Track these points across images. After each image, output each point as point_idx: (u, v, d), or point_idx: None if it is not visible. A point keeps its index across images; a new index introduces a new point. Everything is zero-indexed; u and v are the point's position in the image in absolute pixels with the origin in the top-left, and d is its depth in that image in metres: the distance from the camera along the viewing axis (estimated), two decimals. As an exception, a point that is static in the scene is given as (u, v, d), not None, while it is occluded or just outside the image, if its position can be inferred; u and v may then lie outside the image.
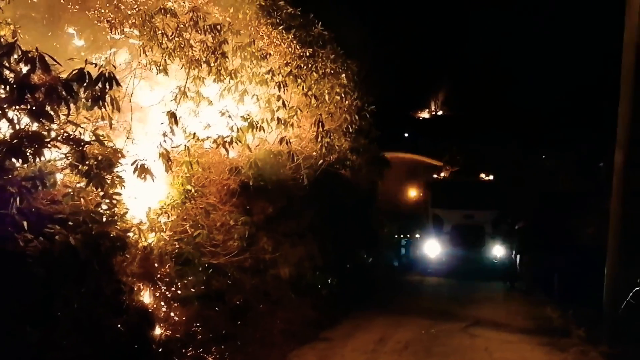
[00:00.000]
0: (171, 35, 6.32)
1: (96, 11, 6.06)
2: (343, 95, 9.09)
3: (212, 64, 6.57)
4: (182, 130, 6.17)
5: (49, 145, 4.01)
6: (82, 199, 4.59)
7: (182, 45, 6.38)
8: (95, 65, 4.39)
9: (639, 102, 7.99)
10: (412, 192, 23.13)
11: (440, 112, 45.59)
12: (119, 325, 5.04)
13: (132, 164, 4.89)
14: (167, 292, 5.83)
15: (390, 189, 19.83)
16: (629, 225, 7.85)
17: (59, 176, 4.54)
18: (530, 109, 23.15)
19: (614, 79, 8.69)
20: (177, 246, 5.99)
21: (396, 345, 7.52)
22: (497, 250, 16.56)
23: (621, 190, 7.90)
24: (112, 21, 5.96)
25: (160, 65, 6.20)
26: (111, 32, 5.95)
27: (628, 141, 7.89)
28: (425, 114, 45.98)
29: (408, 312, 10.16)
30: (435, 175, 19.44)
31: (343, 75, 9.21)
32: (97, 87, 4.30)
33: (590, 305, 9.92)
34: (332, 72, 8.87)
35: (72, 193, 4.52)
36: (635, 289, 8.20)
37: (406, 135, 33.33)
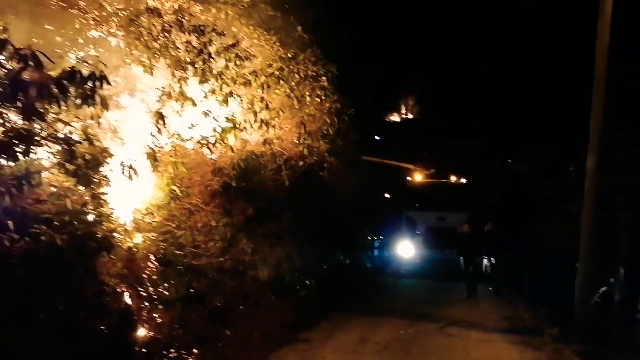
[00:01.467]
0: (157, 35, 6.28)
1: (80, 9, 5.97)
2: (323, 98, 9.14)
3: (197, 65, 6.56)
4: (166, 130, 6.14)
5: (39, 144, 3.93)
6: (67, 199, 4.50)
7: (167, 46, 6.36)
8: (84, 63, 4.33)
9: (610, 110, 8.36)
10: (385, 195, 23.33)
11: (410, 116, 46.12)
12: (102, 328, 4.97)
13: (121, 164, 4.83)
14: (150, 294, 5.76)
15: (362, 192, 19.97)
16: (599, 229, 8.17)
17: (43, 175, 4.45)
18: (501, 114, 23.62)
19: (583, 87, 9.01)
20: (162, 247, 5.93)
21: (376, 346, 7.60)
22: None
23: (593, 194, 8.18)
24: (98, 19, 5.89)
25: (146, 65, 6.16)
26: (96, 30, 5.87)
27: (600, 147, 8.18)
28: (395, 117, 46.45)
29: (385, 313, 10.28)
30: (408, 178, 19.71)
31: (324, 77, 9.27)
32: (87, 86, 4.25)
33: (558, 305, 10.26)
34: (313, 74, 8.93)
35: (58, 193, 4.44)
36: (603, 289, 8.51)
37: (377, 138, 33.67)
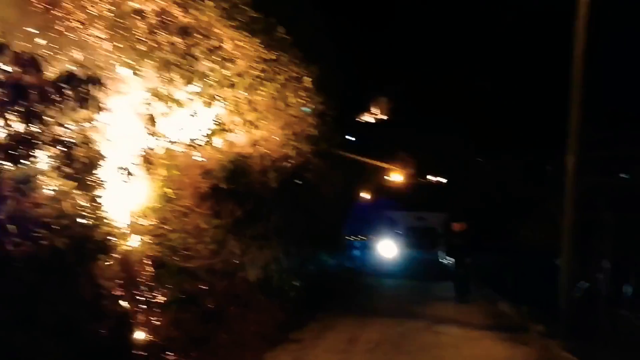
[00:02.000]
0: (142, 37, 6.28)
1: (64, 10, 5.92)
2: (307, 100, 9.23)
3: (183, 67, 6.58)
4: (157, 133, 6.14)
5: (40, 147, 3.91)
6: (65, 202, 4.48)
7: (153, 48, 6.36)
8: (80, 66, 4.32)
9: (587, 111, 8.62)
10: (364, 195, 23.52)
11: (385, 117, 46.36)
12: (101, 330, 4.96)
13: (118, 167, 4.83)
14: (147, 297, 5.75)
15: (345, 193, 20.11)
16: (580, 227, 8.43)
17: (41, 179, 4.43)
18: (479, 116, 24.01)
19: (559, 90, 9.27)
20: (157, 250, 5.92)
21: (366, 345, 7.70)
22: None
23: (572, 194, 8.43)
24: (84, 21, 5.85)
25: (133, 67, 6.15)
26: (81, 33, 5.83)
27: (578, 148, 8.44)
28: (370, 118, 46.65)
29: (372, 313, 10.40)
30: (388, 179, 19.92)
31: (307, 79, 9.34)
32: (83, 89, 4.25)
33: (539, 302, 10.53)
34: (296, 76, 9.01)
35: (56, 196, 4.41)
36: (585, 285, 8.79)
37: (353, 139, 33.81)
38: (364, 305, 11.57)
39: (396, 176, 19.84)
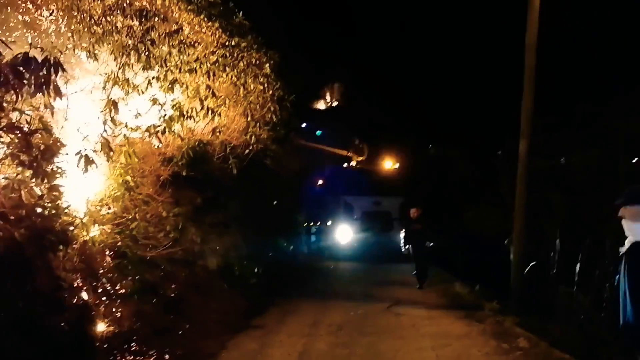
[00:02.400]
0: (98, 19, 6.07)
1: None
2: (266, 85, 9.16)
3: (141, 51, 6.40)
4: (113, 119, 5.95)
5: (-3, 134, 3.73)
6: (22, 192, 4.30)
7: (110, 31, 6.16)
8: (41, 49, 4.13)
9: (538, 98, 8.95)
10: (321, 181, 23.67)
11: (335, 103, 46.58)
12: (61, 324, 4.81)
13: (77, 154, 4.65)
14: (108, 287, 5.61)
15: (301, 179, 20.18)
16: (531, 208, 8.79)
17: (-5, 167, 4.23)
18: (428, 102, 24.51)
19: (508, 78, 9.57)
20: (117, 239, 5.77)
21: (329, 328, 7.80)
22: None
23: (524, 177, 8.76)
24: (37, 3, 5.59)
25: (89, 51, 5.94)
26: (36, 15, 5.57)
27: (530, 132, 8.77)
28: (321, 105, 46.77)
29: (331, 297, 10.55)
30: (345, 165, 20.08)
31: (267, 65, 9.27)
32: (41, 73, 4.06)
33: (488, 280, 10.96)
34: (256, 62, 8.92)
35: (12, 185, 4.22)
36: (531, 263, 9.18)
37: (304, 125, 33.92)
38: (324, 289, 11.70)
39: (352, 162, 20.04)
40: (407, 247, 12.68)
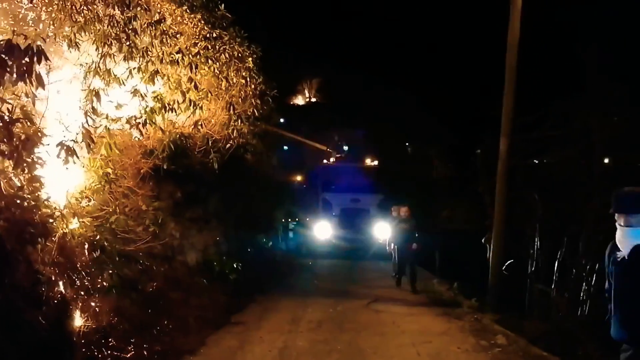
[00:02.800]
0: (80, 7, 5.93)
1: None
2: (248, 79, 9.09)
3: (122, 41, 6.28)
4: (94, 110, 5.83)
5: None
6: (1, 182, 4.17)
7: (92, 20, 6.02)
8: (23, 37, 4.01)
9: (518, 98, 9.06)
10: (300, 178, 23.63)
11: (314, 99, 46.54)
12: (40, 318, 4.69)
13: (58, 145, 4.53)
14: (86, 282, 5.49)
15: (281, 174, 20.12)
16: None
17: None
18: (409, 102, 24.73)
19: (486, 75, 9.65)
20: (96, 233, 5.65)
21: (309, 325, 7.79)
22: (382, 232, 17.60)
23: (504, 175, 8.88)
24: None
25: (70, 39, 5.79)
26: (15, 0, 5.41)
27: (511, 131, 8.88)
28: (299, 101, 46.66)
29: (310, 294, 10.54)
30: (325, 161, 20.07)
31: (250, 59, 9.20)
32: (24, 61, 3.94)
33: (465, 277, 11.10)
34: (239, 55, 8.84)
35: (-10, 176, 4.10)
36: (508, 261, 9.31)
37: (282, 120, 33.80)
38: (303, 286, 11.68)
39: (331, 158, 20.05)
40: (392, 246, 11.78)
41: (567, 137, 10.15)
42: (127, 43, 6.28)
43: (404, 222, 11.34)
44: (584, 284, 7.42)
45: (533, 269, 8.39)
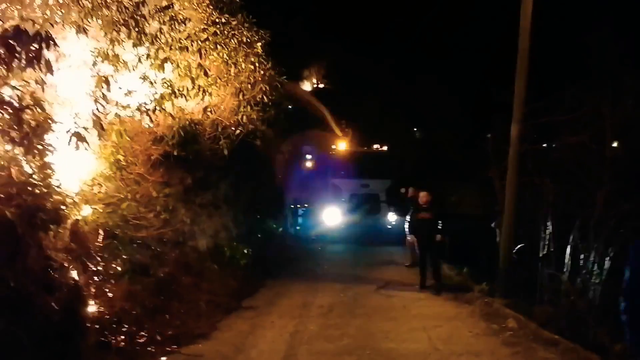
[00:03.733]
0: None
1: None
2: (257, 65, 9.04)
3: (131, 27, 6.25)
4: (104, 96, 5.83)
5: (-12, 110, 3.61)
6: (13, 169, 4.20)
7: (100, 5, 5.99)
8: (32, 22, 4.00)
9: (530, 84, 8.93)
10: (309, 163, 23.58)
11: (322, 85, 46.29)
12: (52, 303, 4.74)
13: (68, 132, 4.54)
14: (99, 268, 5.54)
15: (290, 160, 20.11)
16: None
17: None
18: (418, 87, 24.50)
19: (497, 60, 9.51)
20: (108, 219, 5.69)
21: (320, 310, 7.83)
22: (392, 217, 17.61)
23: (516, 160, 8.80)
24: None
25: (79, 25, 5.77)
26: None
27: (522, 117, 8.78)
28: (307, 87, 46.42)
29: (320, 279, 10.58)
30: (333, 147, 20.02)
31: (259, 44, 9.14)
32: (32, 47, 3.94)
33: (475, 262, 11.08)
34: (247, 40, 8.79)
35: (2, 163, 4.12)
36: (519, 246, 9.27)
37: (290, 107, 33.65)
38: (313, 271, 11.72)
39: (341, 144, 19.99)
40: (411, 237, 10.28)
41: (578, 122, 10.06)
42: (136, 29, 6.27)
43: (425, 210, 9.91)
44: (594, 268, 7.37)
45: (544, 253, 8.34)
